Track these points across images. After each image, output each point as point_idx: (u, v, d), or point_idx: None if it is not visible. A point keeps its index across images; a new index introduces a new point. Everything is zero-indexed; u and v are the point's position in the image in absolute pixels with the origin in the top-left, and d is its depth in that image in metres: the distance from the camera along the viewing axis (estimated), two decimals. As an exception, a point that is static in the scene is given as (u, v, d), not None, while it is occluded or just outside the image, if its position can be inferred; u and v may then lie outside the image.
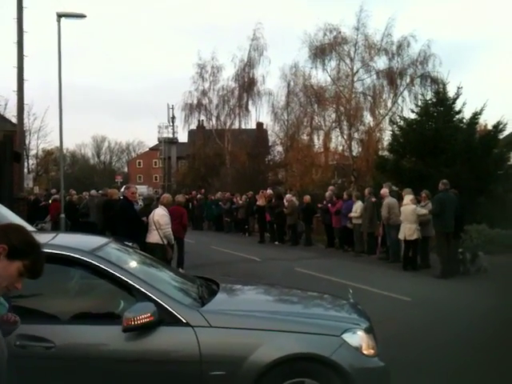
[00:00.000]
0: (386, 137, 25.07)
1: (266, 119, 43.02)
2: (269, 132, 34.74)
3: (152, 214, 9.33)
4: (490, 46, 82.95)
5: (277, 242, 17.97)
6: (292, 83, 30.07)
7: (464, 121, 17.12)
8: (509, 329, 6.90)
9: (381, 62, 27.55)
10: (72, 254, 3.74)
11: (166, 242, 9.13)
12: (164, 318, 3.53)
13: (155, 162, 63.18)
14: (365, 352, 3.77)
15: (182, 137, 47.27)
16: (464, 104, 17.01)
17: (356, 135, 27.63)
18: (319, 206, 16.90)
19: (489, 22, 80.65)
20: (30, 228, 6.75)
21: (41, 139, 45.55)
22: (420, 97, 23.34)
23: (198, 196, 26.15)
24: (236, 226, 22.56)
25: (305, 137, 29.31)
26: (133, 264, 4.30)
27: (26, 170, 29.00)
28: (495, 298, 8.66)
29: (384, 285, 9.61)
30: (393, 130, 18.91)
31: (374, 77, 27.71)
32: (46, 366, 3.45)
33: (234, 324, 3.67)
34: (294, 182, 26.91)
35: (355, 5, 41.84)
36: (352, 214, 14.47)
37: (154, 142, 55.82)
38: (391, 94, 27.73)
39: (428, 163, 16.04)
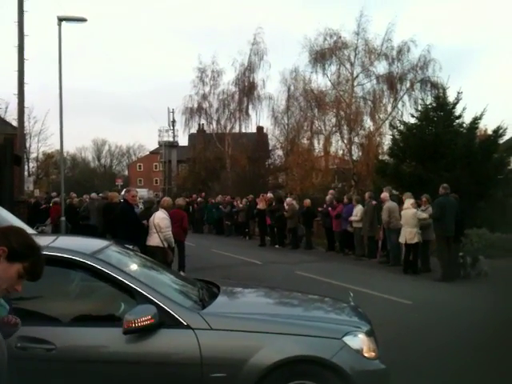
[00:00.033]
0: (386, 141, 25.14)
1: (267, 123, 43.27)
2: (269, 136, 34.86)
3: (152, 217, 9.35)
4: (490, 50, 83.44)
5: (277, 246, 17.97)
6: (292, 87, 30.21)
7: (464, 125, 17.12)
8: (509, 332, 6.89)
9: (381, 67, 27.68)
10: (73, 257, 3.73)
11: (166, 245, 9.14)
12: (165, 321, 3.53)
13: (155, 166, 63.36)
14: (366, 355, 3.76)
15: (183, 140, 47.55)
16: (464, 109, 17.05)
17: (356, 139, 27.67)
18: (319, 209, 16.91)
19: (489, 26, 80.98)
20: (30, 231, 6.76)
21: (41, 142, 45.49)
22: (420, 101, 23.49)
23: (199, 199, 26.15)
24: (236, 229, 22.57)
25: (305, 141, 29.37)
26: (133, 267, 4.29)
27: (26, 173, 28.95)
28: (495, 302, 8.65)
29: (384, 288, 9.61)
30: (393, 135, 18.95)
31: (374, 81, 27.80)
32: (47, 368, 3.44)
33: (235, 326, 3.66)
34: (294, 185, 26.89)
35: (355, 10, 42.07)
36: (352, 218, 14.48)
37: (154, 146, 56.05)
38: (391, 98, 27.79)
39: (428, 168, 16.04)
